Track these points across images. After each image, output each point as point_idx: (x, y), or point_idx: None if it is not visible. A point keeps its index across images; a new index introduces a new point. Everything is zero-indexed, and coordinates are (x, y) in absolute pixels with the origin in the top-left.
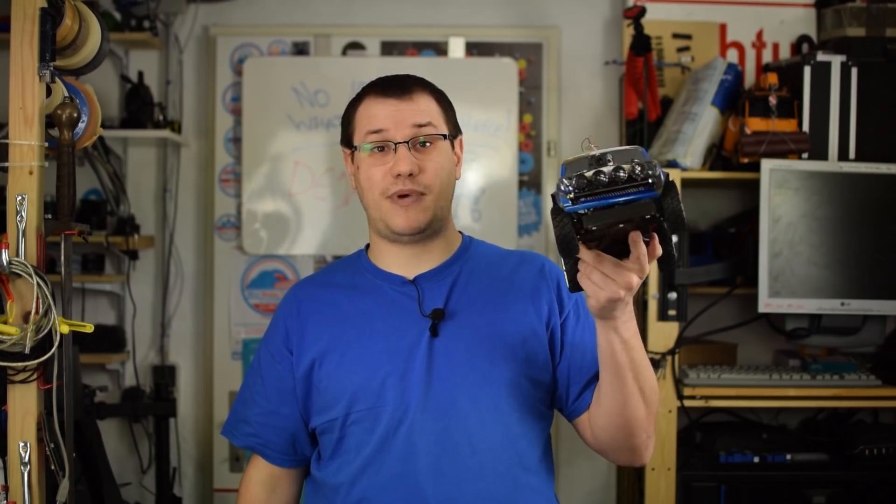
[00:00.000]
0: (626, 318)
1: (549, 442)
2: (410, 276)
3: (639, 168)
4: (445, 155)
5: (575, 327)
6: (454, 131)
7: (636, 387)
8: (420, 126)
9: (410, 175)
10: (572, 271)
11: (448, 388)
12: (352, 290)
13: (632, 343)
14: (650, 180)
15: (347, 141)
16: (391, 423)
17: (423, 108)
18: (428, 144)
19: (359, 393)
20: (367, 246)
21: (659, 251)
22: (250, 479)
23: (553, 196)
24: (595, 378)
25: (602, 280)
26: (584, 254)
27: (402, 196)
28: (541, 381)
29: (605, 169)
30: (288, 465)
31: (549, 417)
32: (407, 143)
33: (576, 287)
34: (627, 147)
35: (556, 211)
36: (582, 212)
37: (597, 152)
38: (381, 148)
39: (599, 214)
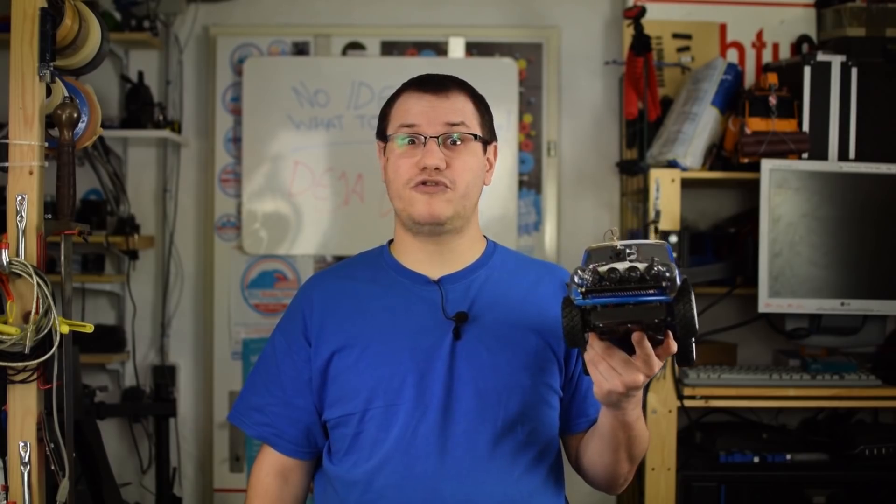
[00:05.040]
0: (632, 407)
1: (560, 448)
2: (434, 276)
3: (654, 270)
4: (475, 156)
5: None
6: (489, 136)
7: (626, 455)
8: (453, 125)
9: (437, 169)
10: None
11: (470, 391)
12: (373, 284)
13: (633, 424)
14: (664, 283)
15: (382, 133)
16: (410, 422)
17: (459, 108)
18: (459, 142)
19: (378, 389)
20: (390, 242)
21: (673, 349)
22: (262, 470)
23: (567, 285)
24: (591, 409)
25: (608, 372)
26: (595, 343)
27: (426, 184)
28: (555, 390)
29: (619, 266)
30: (301, 456)
31: (559, 424)
32: (437, 138)
33: (585, 369)
34: (653, 242)
35: (567, 302)
36: (591, 307)
37: (619, 244)
38: (412, 141)
39: (608, 312)
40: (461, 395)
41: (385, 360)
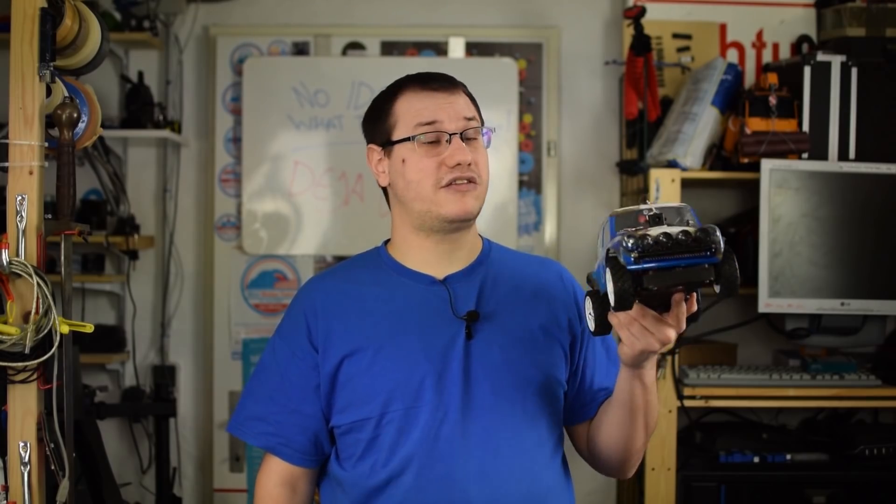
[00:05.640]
0: (650, 366)
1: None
2: (439, 275)
3: (701, 234)
4: (485, 150)
5: (590, 342)
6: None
7: (643, 423)
8: (469, 119)
9: (469, 164)
10: (601, 315)
11: (486, 390)
12: (376, 286)
13: (651, 387)
14: (713, 247)
15: (384, 136)
16: (431, 424)
17: (467, 103)
18: (473, 138)
19: (396, 392)
20: (386, 243)
21: (695, 308)
22: (270, 481)
23: (609, 250)
24: (599, 393)
25: (641, 332)
26: None
27: (458, 183)
28: (563, 384)
29: (671, 231)
30: (308, 464)
31: (565, 417)
32: (460, 134)
33: (599, 330)
34: (676, 205)
35: (618, 267)
36: (643, 270)
37: (653, 207)
38: (431, 140)
39: (660, 276)
40: (478, 395)
41: (400, 363)
